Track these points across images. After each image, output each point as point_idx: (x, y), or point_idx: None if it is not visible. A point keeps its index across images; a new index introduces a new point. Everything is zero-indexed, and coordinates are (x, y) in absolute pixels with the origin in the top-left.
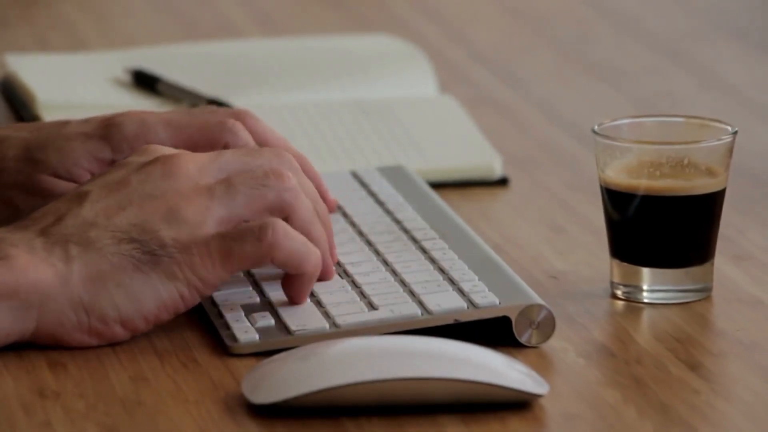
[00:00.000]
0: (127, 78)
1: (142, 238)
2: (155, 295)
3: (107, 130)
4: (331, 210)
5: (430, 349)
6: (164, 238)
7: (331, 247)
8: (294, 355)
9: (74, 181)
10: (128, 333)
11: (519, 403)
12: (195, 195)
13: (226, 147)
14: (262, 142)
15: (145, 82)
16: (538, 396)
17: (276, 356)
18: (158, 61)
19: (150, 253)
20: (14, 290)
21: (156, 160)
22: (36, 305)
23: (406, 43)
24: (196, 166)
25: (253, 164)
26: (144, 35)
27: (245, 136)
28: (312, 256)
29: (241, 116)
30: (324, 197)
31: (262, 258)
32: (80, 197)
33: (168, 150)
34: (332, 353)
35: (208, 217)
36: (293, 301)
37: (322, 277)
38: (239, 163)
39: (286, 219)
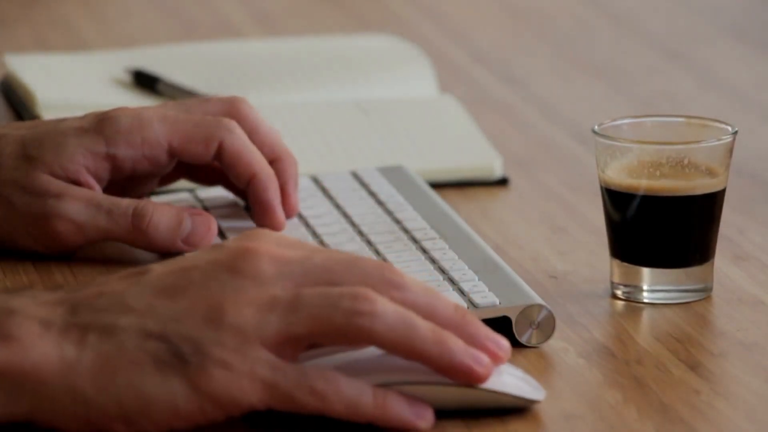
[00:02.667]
0: (127, 78)
1: (174, 337)
2: (170, 402)
3: (102, 125)
4: (291, 213)
5: None
6: (199, 341)
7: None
8: None
9: (70, 178)
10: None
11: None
12: (253, 301)
13: (220, 145)
14: (252, 130)
15: (145, 82)
16: (534, 402)
17: None
18: (158, 61)
19: (178, 356)
20: (8, 371)
21: (231, 249)
22: (30, 391)
23: (406, 43)
24: (272, 267)
25: (345, 278)
26: (144, 35)
27: (241, 135)
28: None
29: (235, 103)
30: (288, 197)
31: (310, 410)
32: (140, 273)
33: (270, 233)
34: (328, 359)
35: (259, 331)
36: None
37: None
38: (326, 273)
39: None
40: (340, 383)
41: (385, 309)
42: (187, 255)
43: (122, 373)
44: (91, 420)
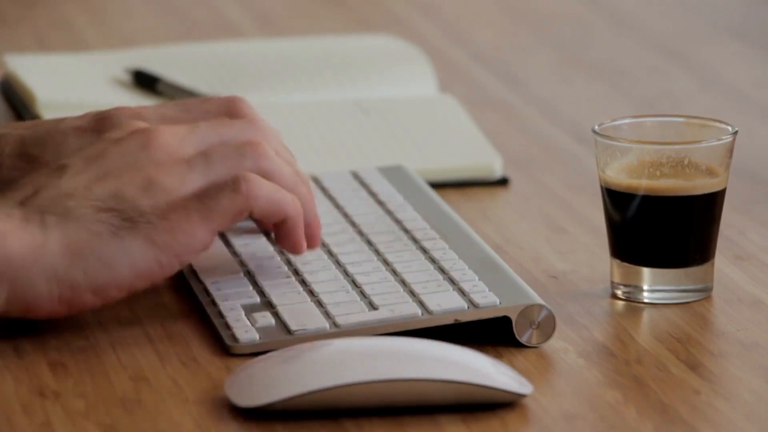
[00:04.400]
0: (127, 78)
1: (120, 206)
2: (130, 262)
3: (100, 124)
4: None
5: (413, 350)
6: (142, 206)
7: (314, 216)
8: (277, 358)
9: None
10: (100, 300)
11: (508, 404)
12: (173, 165)
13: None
14: None
15: (145, 82)
16: (523, 396)
17: (259, 358)
18: (158, 61)
19: (128, 219)
20: None
21: (133, 132)
22: (8, 277)
23: (406, 43)
24: (173, 138)
25: (229, 135)
26: (144, 35)
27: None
28: (289, 200)
29: (234, 103)
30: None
31: (241, 210)
32: (59, 170)
33: (145, 123)
34: (316, 356)
35: (186, 186)
36: (292, 250)
37: (310, 244)
38: (215, 135)
39: None
40: (260, 182)
41: (274, 155)
42: (90, 144)
43: (86, 244)
44: (63, 296)
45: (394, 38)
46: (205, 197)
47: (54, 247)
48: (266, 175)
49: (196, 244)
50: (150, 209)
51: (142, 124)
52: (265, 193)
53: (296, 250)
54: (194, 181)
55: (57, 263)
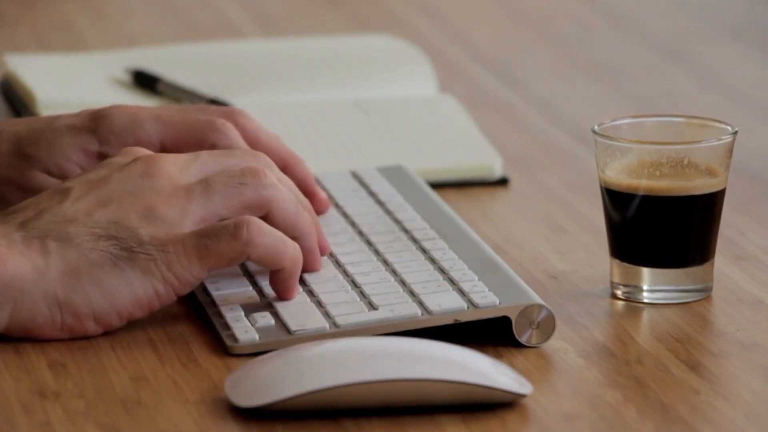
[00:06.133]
0: (127, 78)
1: (120, 235)
2: (130, 291)
3: (96, 123)
4: (324, 209)
5: (413, 350)
6: (142, 235)
7: (321, 239)
8: (277, 358)
9: (65, 177)
10: (100, 329)
11: (508, 404)
12: (173, 195)
13: (213, 146)
14: (254, 141)
15: (145, 82)
16: (522, 396)
17: (259, 358)
18: (158, 61)
19: (127, 249)
20: None
21: (137, 160)
22: (11, 299)
23: (406, 43)
24: (175, 167)
25: (230, 164)
26: (144, 35)
27: (234, 136)
28: (289, 251)
29: (233, 115)
30: (314, 196)
31: (238, 256)
32: (62, 193)
33: (149, 151)
34: (316, 356)
35: (186, 217)
36: (280, 296)
37: (308, 268)
38: (216, 164)
39: (267, 216)
40: (262, 229)
41: (276, 182)
42: (94, 168)
43: (86, 272)
44: (65, 322)
45: (394, 38)
46: (204, 237)
47: (54, 272)
48: (268, 204)
49: (191, 279)
50: (149, 239)
51: (145, 152)
52: (264, 241)
53: (285, 298)
54: (195, 213)
55: (57, 288)
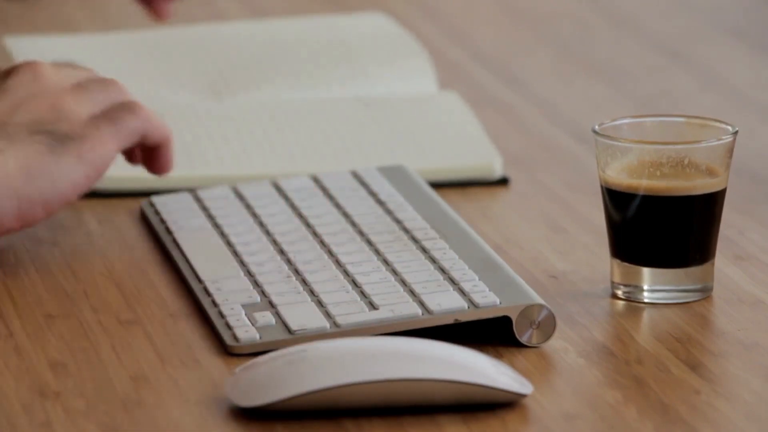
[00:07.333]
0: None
1: (46, 129)
2: (69, 177)
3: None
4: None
5: (413, 350)
6: (62, 128)
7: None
8: (278, 358)
9: None
10: (47, 215)
11: (508, 404)
12: (66, 92)
13: None
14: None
15: None
16: (522, 396)
17: (260, 358)
18: (158, 48)
19: (58, 139)
20: None
21: (19, 67)
22: None
23: (397, 27)
24: (53, 69)
25: (93, 76)
26: None
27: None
28: (167, 126)
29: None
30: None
31: (142, 130)
32: None
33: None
34: (316, 356)
35: (85, 109)
36: (165, 170)
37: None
38: (85, 72)
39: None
40: (149, 109)
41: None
42: None
43: (35, 163)
44: (22, 211)
45: (385, 19)
46: (110, 118)
47: (12, 166)
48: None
49: (109, 159)
50: (69, 131)
51: (22, 61)
52: (154, 116)
53: (168, 170)
54: (95, 102)
55: (16, 182)
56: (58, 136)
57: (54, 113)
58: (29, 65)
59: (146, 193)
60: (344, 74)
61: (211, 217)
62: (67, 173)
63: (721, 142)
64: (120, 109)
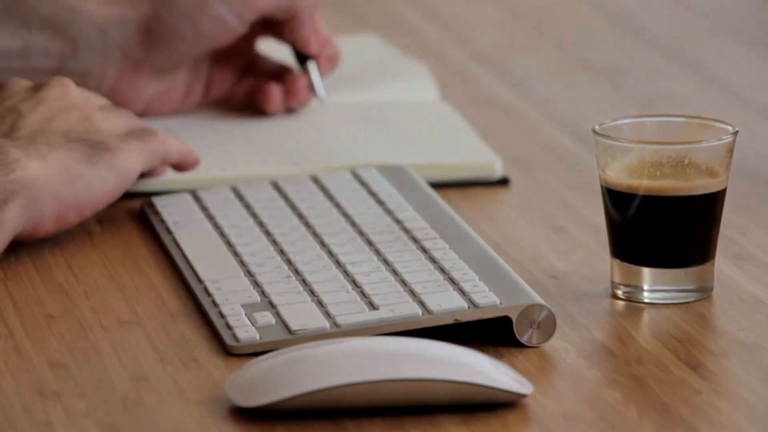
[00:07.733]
0: None
1: (82, 137)
2: (101, 184)
3: None
4: None
5: (413, 350)
6: (95, 138)
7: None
8: (278, 358)
9: None
10: (78, 219)
11: (508, 404)
12: (93, 109)
13: None
14: None
15: None
16: (523, 396)
17: (260, 358)
18: None
19: (94, 148)
20: (23, 187)
21: (47, 82)
22: (31, 200)
23: (393, 48)
24: (79, 89)
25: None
26: None
27: None
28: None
29: None
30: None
31: (163, 154)
32: (13, 111)
33: (28, 82)
34: (316, 356)
35: (113, 126)
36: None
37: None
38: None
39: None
40: (170, 140)
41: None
42: (12, 99)
43: (74, 168)
44: (60, 214)
45: (381, 42)
46: (138, 137)
47: (54, 170)
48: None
49: (136, 173)
50: (103, 141)
51: (45, 79)
52: (172, 140)
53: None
54: (115, 124)
55: (57, 186)
56: (92, 145)
57: (86, 125)
58: (59, 80)
59: (146, 194)
60: (347, 91)
61: (211, 217)
62: (100, 181)
63: (721, 142)
64: (144, 132)
